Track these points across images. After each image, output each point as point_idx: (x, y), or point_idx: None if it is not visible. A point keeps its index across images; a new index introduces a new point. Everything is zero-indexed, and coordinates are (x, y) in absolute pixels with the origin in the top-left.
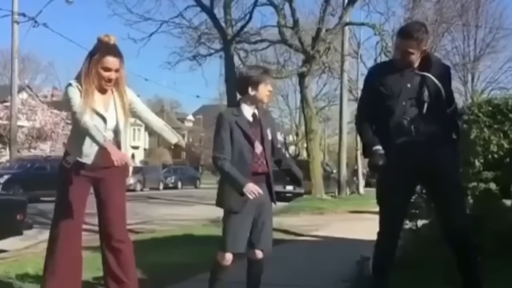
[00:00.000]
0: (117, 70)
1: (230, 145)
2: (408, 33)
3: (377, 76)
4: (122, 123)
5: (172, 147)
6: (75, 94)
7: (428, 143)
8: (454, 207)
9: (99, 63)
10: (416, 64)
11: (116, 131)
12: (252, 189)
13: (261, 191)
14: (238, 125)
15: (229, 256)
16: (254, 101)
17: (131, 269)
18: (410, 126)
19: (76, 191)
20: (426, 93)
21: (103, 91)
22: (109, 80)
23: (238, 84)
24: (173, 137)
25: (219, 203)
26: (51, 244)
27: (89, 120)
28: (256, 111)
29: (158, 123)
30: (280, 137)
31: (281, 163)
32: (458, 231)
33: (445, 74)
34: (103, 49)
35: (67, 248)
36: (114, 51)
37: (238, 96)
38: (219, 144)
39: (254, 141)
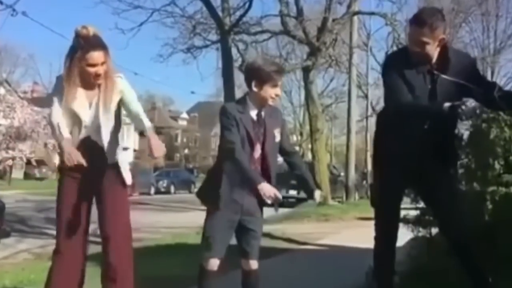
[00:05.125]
0: (103, 63)
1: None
2: (421, 20)
3: (397, 66)
4: (105, 118)
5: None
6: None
7: (434, 152)
8: (449, 216)
9: (82, 60)
10: (434, 57)
11: (97, 128)
12: (267, 190)
13: (280, 196)
14: (242, 123)
15: (213, 261)
16: (257, 100)
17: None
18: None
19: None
20: (439, 97)
21: (91, 86)
22: (97, 75)
23: (244, 75)
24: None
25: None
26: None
27: (56, 119)
28: (261, 110)
29: (141, 121)
30: None
31: (294, 166)
32: (456, 240)
33: (469, 67)
34: (84, 44)
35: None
36: (96, 44)
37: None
38: (229, 137)
39: (255, 144)
